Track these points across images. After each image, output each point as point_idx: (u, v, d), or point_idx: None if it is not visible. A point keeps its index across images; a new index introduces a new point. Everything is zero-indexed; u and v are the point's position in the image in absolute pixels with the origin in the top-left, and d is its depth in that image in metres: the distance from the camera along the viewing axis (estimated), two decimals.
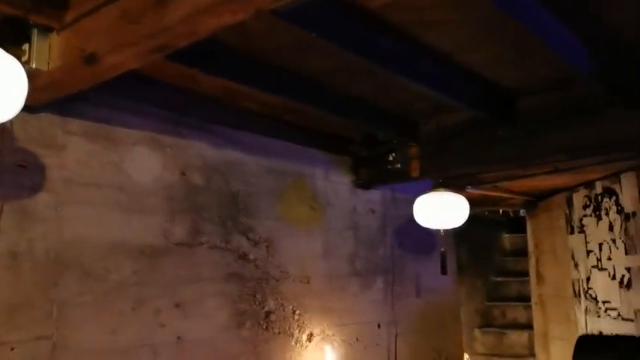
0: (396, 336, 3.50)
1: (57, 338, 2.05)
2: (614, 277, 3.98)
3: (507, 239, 6.86)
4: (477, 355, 5.97)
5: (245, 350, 2.67)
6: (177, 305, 2.42)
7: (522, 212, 6.11)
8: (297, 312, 2.97)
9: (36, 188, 2.05)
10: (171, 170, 2.50)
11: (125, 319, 2.24)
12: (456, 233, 4.48)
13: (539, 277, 5.52)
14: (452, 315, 4.21)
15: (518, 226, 6.45)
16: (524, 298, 6.07)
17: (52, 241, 2.07)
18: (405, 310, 3.66)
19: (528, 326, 5.84)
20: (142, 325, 2.30)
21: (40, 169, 2.06)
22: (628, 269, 3.78)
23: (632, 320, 3.69)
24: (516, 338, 5.93)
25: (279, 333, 2.86)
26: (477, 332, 6.17)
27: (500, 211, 6.26)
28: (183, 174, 2.54)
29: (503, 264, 6.75)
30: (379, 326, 3.47)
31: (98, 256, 2.19)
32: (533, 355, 5.70)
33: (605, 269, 4.09)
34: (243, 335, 2.68)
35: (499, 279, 6.57)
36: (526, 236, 6.02)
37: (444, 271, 2.97)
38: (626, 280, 3.81)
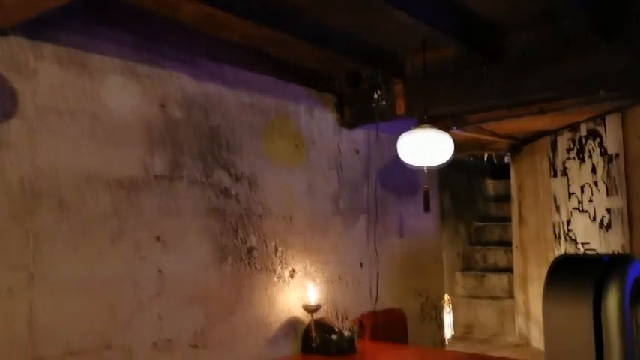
0: (378, 275, 3.54)
1: (33, 268, 2.02)
2: (594, 219, 4.04)
3: (491, 185, 6.93)
4: (458, 297, 6.11)
5: (227, 285, 2.68)
6: (157, 239, 2.40)
7: (506, 159, 6.14)
8: (280, 249, 2.98)
9: (7, 115, 1.98)
10: (150, 102, 2.43)
11: (104, 251, 2.22)
12: (440, 179, 4.49)
13: (521, 220, 5.60)
14: (434, 256, 4.26)
15: (501, 172, 6.50)
16: (506, 243, 6.19)
17: (25, 170, 2.02)
18: (387, 250, 3.68)
19: (508, 269, 5.97)
20: (121, 257, 2.28)
21: (10, 95, 1.99)
22: (608, 211, 3.83)
23: None
24: (496, 281, 6.07)
25: (261, 269, 2.86)
26: (458, 275, 6.30)
27: (485, 156, 6.29)
28: (162, 106, 2.47)
29: (486, 209, 6.84)
30: (361, 265, 3.50)
31: (74, 186, 2.15)
32: (511, 296, 5.85)
33: (586, 211, 4.15)
34: (225, 270, 2.68)
35: (481, 224, 6.66)
36: (509, 182, 6.08)
37: (426, 208, 2.97)
38: (606, 221, 3.87)
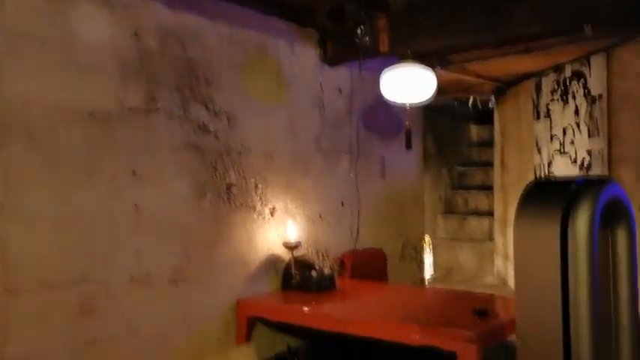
0: (359, 214, 3.54)
1: (5, 201, 1.98)
2: (575, 161, 4.05)
3: (474, 130, 6.91)
4: (439, 240, 6.18)
5: (205, 221, 2.66)
6: (133, 173, 2.35)
7: (491, 104, 6.10)
8: (260, 186, 2.95)
9: None
10: (123, 30, 2.33)
11: (78, 184, 2.18)
12: (424, 123, 4.45)
13: (503, 164, 5.62)
14: (415, 198, 4.28)
15: (485, 118, 6.47)
16: (487, 187, 6.23)
17: None
18: (369, 190, 3.68)
19: (489, 213, 6.04)
20: (96, 191, 2.24)
21: None
22: (589, 152, 3.84)
23: None
24: (476, 224, 6.14)
25: (240, 206, 2.84)
26: (439, 218, 6.36)
27: (470, 101, 6.24)
28: (136, 35, 2.37)
29: (469, 154, 6.84)
30: (343, 204, 3.50)
31: (44, 117, 2.08)
32: (491, 239, 5.94)
33: (567, 153, 4.16)
34: (204, 207, 2.66)
35: (464, 168, 6.68)
36: (492, 127, 6.06)
37: (408, 146, 2.95)
38: (586, 162, 3.89)
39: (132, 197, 2.34)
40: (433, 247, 5.98)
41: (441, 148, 6.48)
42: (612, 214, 1.14)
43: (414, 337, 2.24)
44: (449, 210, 6.48)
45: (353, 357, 2.87)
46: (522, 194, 1.23)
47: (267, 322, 2.86)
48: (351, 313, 2.60)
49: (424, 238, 4.63)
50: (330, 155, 3.42)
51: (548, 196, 1.15)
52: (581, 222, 1.07)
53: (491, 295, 3.05)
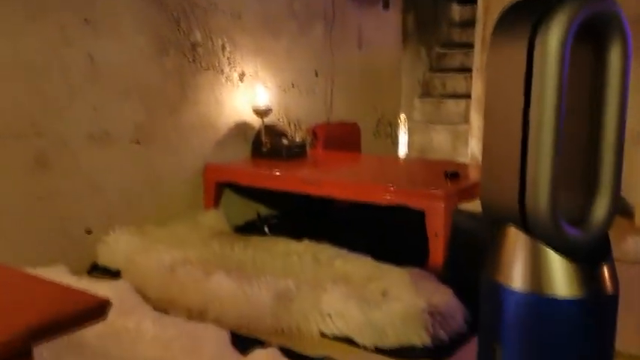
0: (333, 85, 3.42)
1: None
2: None
3: (457, 10, 6.64)
4: (415, 122, 6.13)
5: (169, 81, 2.52)
6: (86, 21, 2.16)
7: None
8: (228, 48, 2.78)
9: None
10: None
11: (24, 30, 1.99)
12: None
13: (485, 43, 5.45)
14: (393, 73, 4.15)
15: None
16: (466, 70, 6.09)
17: None
18: (344, 60, 3.53)
19: (466, 96, 5.95)
20: (45, 38, 2.06)
21: None
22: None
23: None
24: (453, 107, 6.07)
25: (207, 69, 2.69)
26: (416, 101, 6.26)
27: None
28: None
29: (449, 35, 6.62)
30: (317, 74, 3.36)
31: None
32: (467, 122, 5.91)
33: None
34: (167, 65, 2.50)
35: (443, 50, 6.49)
36: (476, 7, 5.82)
37: (385, 5, 2.76)
38: None
39: (85, 48, 2.17)
40: (409, 130, 5.94)
41: (421, 27, 6.24)
42: (599, 30, 1.03)
43: (385, 197, 2.21)
44: (426, 93, 6.37)
45: (322, 225, 2.87)
46: (499, 16, 1.11)
47: (236, 189, 2.81)
48: (323, 176, 2.55)
49: (400, 116, 4.56)
50: (303, 20, 3.22)
51: (523, 12, 1.04)
52: (551, 36, 0.96)
53: (465, 163, 3.03)
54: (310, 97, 3.33)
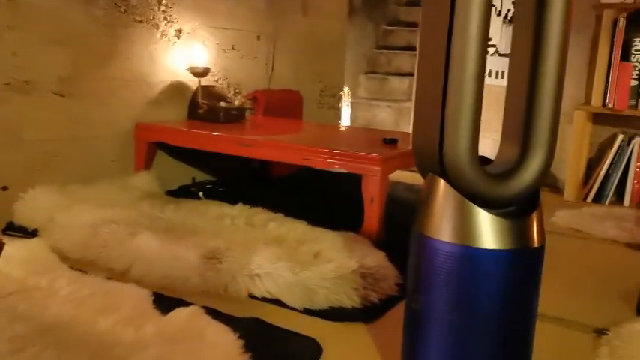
0: (274, 50, 3.32)
1: None
2: (499, 14, 3.96)
3: None
4: (360, 99, 6.12)
5: (98, 32, 2.36)
6: None
7: None
8: (164, 2, 2.63)
9: None
10: None
11: None
12: None
13: None
14: (337, 46, 4.08)
15: None
16: (412, 48, 6.12)
17: None
18: (288, 27, 3.43)
19: (410, 74, 5.98)
20: None
21: None
22: (514, 3, 3.74)
23: (507, 55, 3.77)
24: (398, 84, 6.09)
25: (141, 22, 2.54)
26: (361, 78, 6.25)
27: None
28: None
29: (397, 13, 6.62)
30: (259, 38, 3.26)
31: None
32: (410, 99, 5.94)
33: (493, 5, 4.05)
34: (95, 14, 2.34)
35: (390, 28, 6.49)
36: None
37: None
38: (510, 15, 3.81)
39: None
40: (354, 106, 5.92)
41: (368, 4, 6.20)
42: None
43: (322, 160, 2.17)
44: (372, 70, 6.36)
45: (260, 192, 2.81)
46: None
47: (171, 152, 2.70)
48: (260, 138, 2.47)
49: (344, 88, 4.52)
50: None
51: None
52: None
53: (405, 133, 3.02)
54: (252, 61, 3.23)
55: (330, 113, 4.07)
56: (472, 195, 0.97)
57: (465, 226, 0.98)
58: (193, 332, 1.31)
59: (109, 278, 1.63)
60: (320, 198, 2.77)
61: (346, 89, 4.62)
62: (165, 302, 1.50)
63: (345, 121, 4.52)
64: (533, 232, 1.02)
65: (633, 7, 2.85)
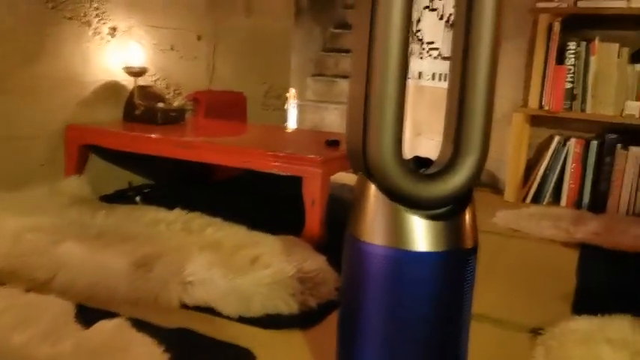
0: (216, 52, 3.25)
1: None
2: (441, 17, 4.01)
3: None
4: (307, 102, 6.09)
5: (24, 28, 2.23)
6: None
7: None
8: None
9: None
10: None
11: None
12: None
13: None
14: (283, 47, 4.03)
15: None
16: None
17: None
18: (230, 27, 3.36)
19: None
20: None
21: None
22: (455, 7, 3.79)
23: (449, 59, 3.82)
24: (345, 87, 6.10)
25: (71, 19, 2.42)
26: (309, 80, 6.22)
27: None
28: None
29: (344, 16, 6.63)
30: (199, 38, 3.17)
31: None
32: None
33: (436, 9, 4.09)
34: (21, 9, 2.21)
35: (337, 30, 6.49)
36: None
37: None
38: (452, 19, 3.86)
39: None
40: (301, 108, 5.88)
41: (315, 6, 6.18)
42: None
43: (263, 162, 2.11)
44: (319, 72, 6.34)
45: (200, 196, 2.72)
46: None
47: (106, 156, 2.58)
48: (198, 140, 2.39)
49: (290, 90, 4.47)
50: None
51: None
52: None
53: None
54: (192, 61, 3.14)
55: (275, 115, 4.02)
56: (399, 196, 0.94)
57: (393, 228, 0.95)
58: (116, 346, 1.23)
59: (28, 290, 1.52)
60: (263, 201, 2.71)
61: (292, 91, 4.57)
62: (88, 314, 1.40)
63: (292, 123, 4.48)
64: (465, 233, 0.99)
65: (568, 11, 2.92)
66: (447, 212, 0.98)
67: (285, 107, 4.18)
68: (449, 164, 1.01)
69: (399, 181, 0.93)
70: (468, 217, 1.00)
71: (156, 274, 1.61)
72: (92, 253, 1.66)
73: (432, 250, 0.96)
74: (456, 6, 1.15)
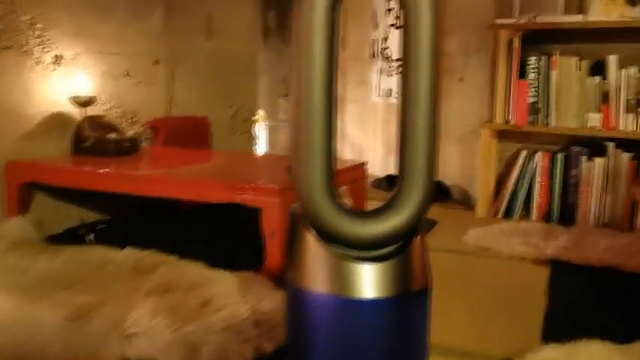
0: (174, 77, 3.11)
1: None
2: None
3: None
4: (280, 122, 5.96)
5: None
6: None
7: None
8: (39, 25, 2.37)
9: None
10: None
11: None
12: None
13: (343, 42, 5.42)
14: (249, 69, 3.91)
15: None
16: None
17: None
18: (190, 51, 3.23)
19: None
20: None
21: None
22: None
23: None
24: None
25: (9, 48, 2.26)
26: (281, 100, 6.11)
27: None
28: None
29: None
30: (157, 63, 3.03)
31: None
32: None
33: (402, 27, 4.01)
34: None
35: None
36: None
37: None
38: None
39: None
40: (273, 130, 5.74)
41: (283, 24, 6.09)
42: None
43: (217, 194, 1.96)
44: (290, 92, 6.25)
45: (158, 231, 2.56)
46: None
47: (53, 193, 2.41)
48: (150, 173, 2.24)
49: (258, 112, 4.34)
50: (137, 3, 2.88)
51: None
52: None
53: None
54: (149, 87, 2.99)
55: (243, 139, 3.88)
56: (333, 237, 0.80)
57: (331, 273, 0.81)
58: None
59: None
60: (224, 230, 2.55)
61: (261, 112, 4.44)
62: None
63: (262, 146, 4.34)
64: (412, 275, 0.85)
65: (526, 27, 2.88)
66: (390, 253, 0.84)
67: (253, 130, 4.05)
68: (390, 200, 0.88)
69: (331, 220, 0.79)
70: (416, 256, 0.86)
71: (94, 326, 1.44)
72: (22, 308, 1.49)
73: (375, 297, 0.82)
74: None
